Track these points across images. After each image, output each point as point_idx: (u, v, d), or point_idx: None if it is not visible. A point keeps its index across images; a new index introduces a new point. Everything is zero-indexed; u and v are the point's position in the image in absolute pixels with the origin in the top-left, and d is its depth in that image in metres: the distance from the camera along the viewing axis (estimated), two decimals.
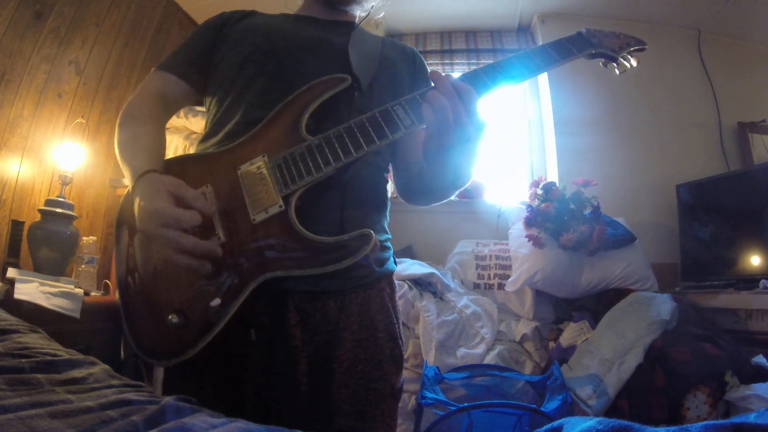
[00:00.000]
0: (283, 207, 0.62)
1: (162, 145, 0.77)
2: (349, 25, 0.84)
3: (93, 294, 1.73)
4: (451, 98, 0.58)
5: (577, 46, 0.71)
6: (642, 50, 0.76)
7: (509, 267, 2.01)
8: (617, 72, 0.76)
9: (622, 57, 0.74)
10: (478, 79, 0.64)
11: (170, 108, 0.83)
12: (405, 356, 1.50)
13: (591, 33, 0.73)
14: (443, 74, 0.60)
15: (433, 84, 0.60)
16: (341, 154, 0.62)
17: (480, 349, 1.66)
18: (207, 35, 0.83)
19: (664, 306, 1.58)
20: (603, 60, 0.75)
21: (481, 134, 0.60)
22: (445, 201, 0.78)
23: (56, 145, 1.83)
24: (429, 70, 0.89)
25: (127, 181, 0.67)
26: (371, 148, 0.62)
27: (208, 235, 0.62)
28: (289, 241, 0.61)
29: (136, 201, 0.61)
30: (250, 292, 0.60)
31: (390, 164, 0.86)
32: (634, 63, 0.75)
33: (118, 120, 0.76)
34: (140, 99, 0.79)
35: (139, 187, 0.62)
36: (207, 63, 0.81)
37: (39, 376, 0.49)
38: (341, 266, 0.59)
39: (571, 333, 1.67)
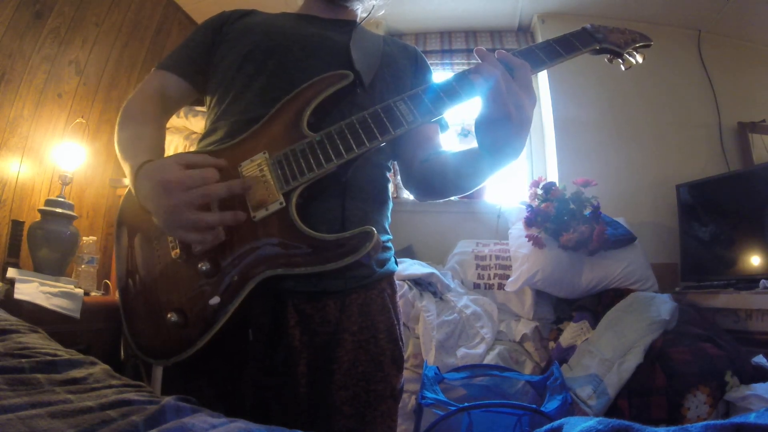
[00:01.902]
0: (284, 204, 0.61)
1: (162, 145, 0.76)
2: (350, 24, 0.84)
3: (93, 294, 1.73)
4: (500, 68, 0.56)
5: (582, 42, 0.70)
6: (647, 46, 0.75)
7: (509, 267, 2.01)
8: (623, 68, 0.75)
9: (627, 53, 0.73)
10: None
11: (170, 107, 0.82)
12: (405, 356, 1.50)
13: (596, 28, 0.72)
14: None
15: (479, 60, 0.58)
16: (343, 150, 0.62)
17: (480, 349, 1.66)
18: (207, 34, 0.82)
19: (664, 306, 1.58)
20: (608, 56, 0.74)
21: (532, 109, 0.57)
22: (447, 199, 0.77)
23: (56, 145, 1.82)
24: (430, 68, 0.89)
25: (128, 179, 0.66)
26: (373, 144, 0.61)
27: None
28: (289, 238, 0.61)
29: (146, 185, 0.60)
30: (249, 290, 0.60)
31: (395, 162, 0.86)
32: (639, 59, 0.74)
33: (117, 119, 0.76)
34: (140, 98, 0.78)
35: (144, 174, 0.62)
36: (207, 62, 0.81)
37: (39, 376, 0.49)
38: (342, 264, 0.58)
39: (571, 333, 1.67)
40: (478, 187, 0.72)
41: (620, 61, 0.74)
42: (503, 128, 0.56)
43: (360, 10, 0.88)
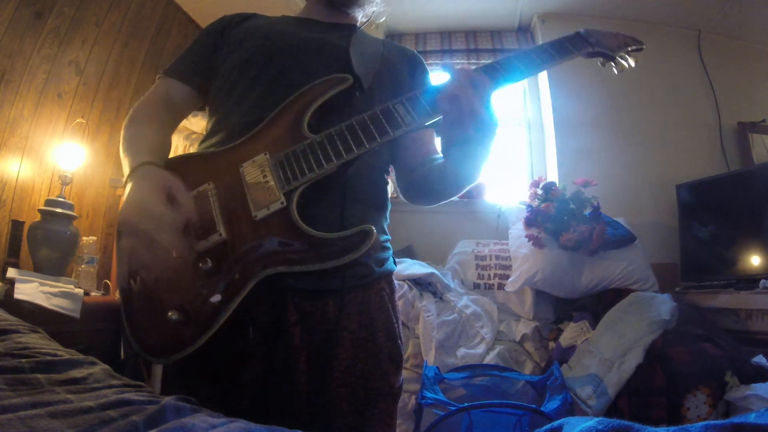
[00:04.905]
0: (285, 203, 0.62)
1: (165, 146, 0.77)
2: (350, 28, 0.84)
3: (93, 294, 1.73)
4: (465, 89, 0.59)
5: (576, 45, 0.72)
6: (640, 50, 0.77)
7: (509, 267, 2.01)
8: (615, 71, 0.77)
9: (620, 56, 0.75)
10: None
11: (176, 113, 0.83)
12: (405, 356, 1.50)
13: (589, 33, 0.74)
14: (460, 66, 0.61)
15: (450, 75, 0.61)
16: (343, 151, 0.63)
17: (480, 349, 1.66)
18: (209, 39, 0.83)
19: (664, 306, 1.58)
20: (601, 59, 0.76)
21: (495, 128, 0.61)
22: (447, 201, 0.78)
23: (56, 145, 1.82)
24: (428, 70, 0.90)
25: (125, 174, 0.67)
26: (372, 145, 0.63)
27: (210, 232, 0.62)
28: (290, 237, 0.61)
29: (128, 189, 0.62)
30: (250, 288, 0.60)
31: (391, 166, 0.86)
32: (632, 63, 0.76)
33: (123, 124, 0.77)
34: (145, 104, 0.80)
35: (134, 177, 0.63)
36: (209, 66, 0.82)
37: (39, 376, 0.49)
38: (342, 262, 0.59)
39: (571, 333, 1.67)
40: (475, 182, 0.74)
41: (612, 64, 0.76)
42: (467, 148, 0.62)
43: (360, 15, 0.89)
